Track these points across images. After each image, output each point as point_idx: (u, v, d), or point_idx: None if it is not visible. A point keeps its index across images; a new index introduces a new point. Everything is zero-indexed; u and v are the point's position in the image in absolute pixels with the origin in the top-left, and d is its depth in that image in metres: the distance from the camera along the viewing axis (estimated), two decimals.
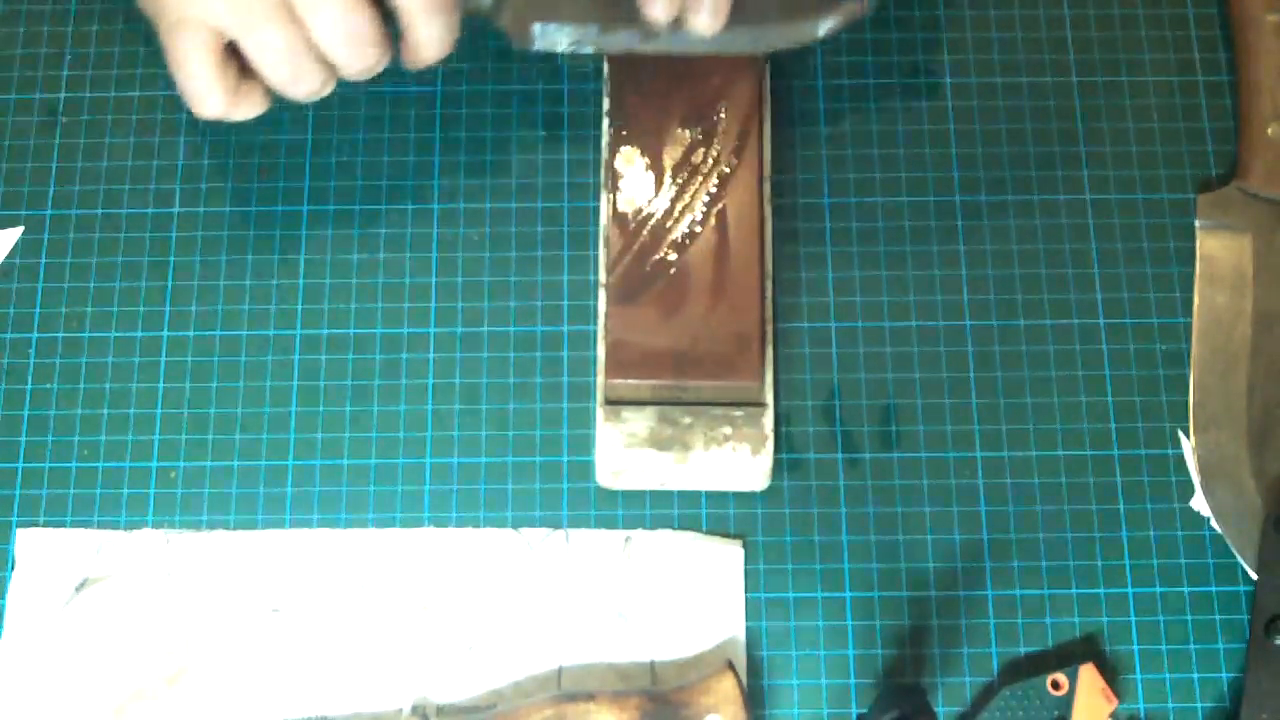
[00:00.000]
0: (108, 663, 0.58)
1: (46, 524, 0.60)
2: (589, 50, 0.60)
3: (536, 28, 0.60)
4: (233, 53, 0.56)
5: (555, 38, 0.60)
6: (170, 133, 0.66)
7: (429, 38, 0.57)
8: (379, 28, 0.56)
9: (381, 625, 0.58)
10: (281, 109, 0.66)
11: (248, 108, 0.58)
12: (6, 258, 0.64)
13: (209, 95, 0.56)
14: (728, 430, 0.59)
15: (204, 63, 0.55)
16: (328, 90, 0.58)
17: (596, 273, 0.63)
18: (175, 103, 0.66)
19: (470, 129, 0.66)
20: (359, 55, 0.56)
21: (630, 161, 0.61)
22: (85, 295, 0.63)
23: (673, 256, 0.60)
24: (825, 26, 0.60)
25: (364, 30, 0.55)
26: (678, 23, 0.59)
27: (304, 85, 0.57)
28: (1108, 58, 0.67)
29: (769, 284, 0.62)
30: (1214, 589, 0.59)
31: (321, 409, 0.62)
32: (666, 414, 0.59)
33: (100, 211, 0.65)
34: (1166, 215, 0.65)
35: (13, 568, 0.59)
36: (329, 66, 0.57)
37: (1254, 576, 0.59)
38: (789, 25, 0.60)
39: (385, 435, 0.61)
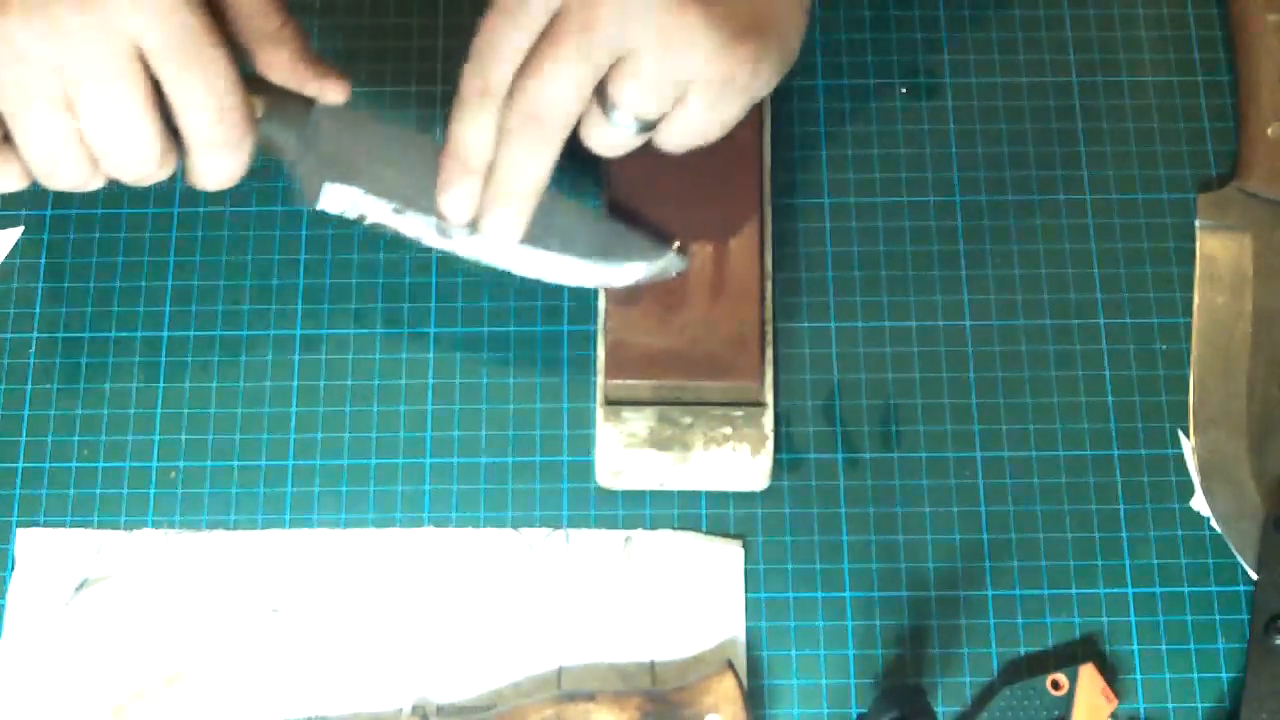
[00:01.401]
0: (107, 663, 0.58)
1: (46, 524, 0.60)
2: (381, 229, 0.56)
3: (328, 186, 0.54)
4: None
5: (344, 203, 0.55)
6: None
7: (212, 169, 0.52)
8: (162, 142, 0.51)
9: (381, 625, 0.58)
10: None
11: (2, 183, 0.52)
12: (6, 258, 0.64)
13: None
14: (728, 430, 0.59)
15: None
16: (92, 187, 0.52)
17: None
18: None
19: None
20: (134, 165, 0.51)
21: (630, 161, 0.61)
22: (85, 295, 0.63)
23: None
24: (632, 275, 0.57)
25: (145, 141, 0.50)
26: (474, 226, 0.55)
27: (64, 178, 0.51)
28: (1108, 58, 0.67)
29: (769, 284, 0.62)
30: (1214, 589, 0.59)
31: (321, 409, 0.62)
32: (666, 414, 0.59)
33: (100, 211, 0.65)
34: (1166, 215, 0.65)
35: (13, 568, 0.59)
36: (96, 164, 0.51)
37: (1254, 576, 0.59)
38: (594, 262, 0.57)
39: (385, 435, 0.61)
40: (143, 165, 0.51)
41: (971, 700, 0.58)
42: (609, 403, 0.60)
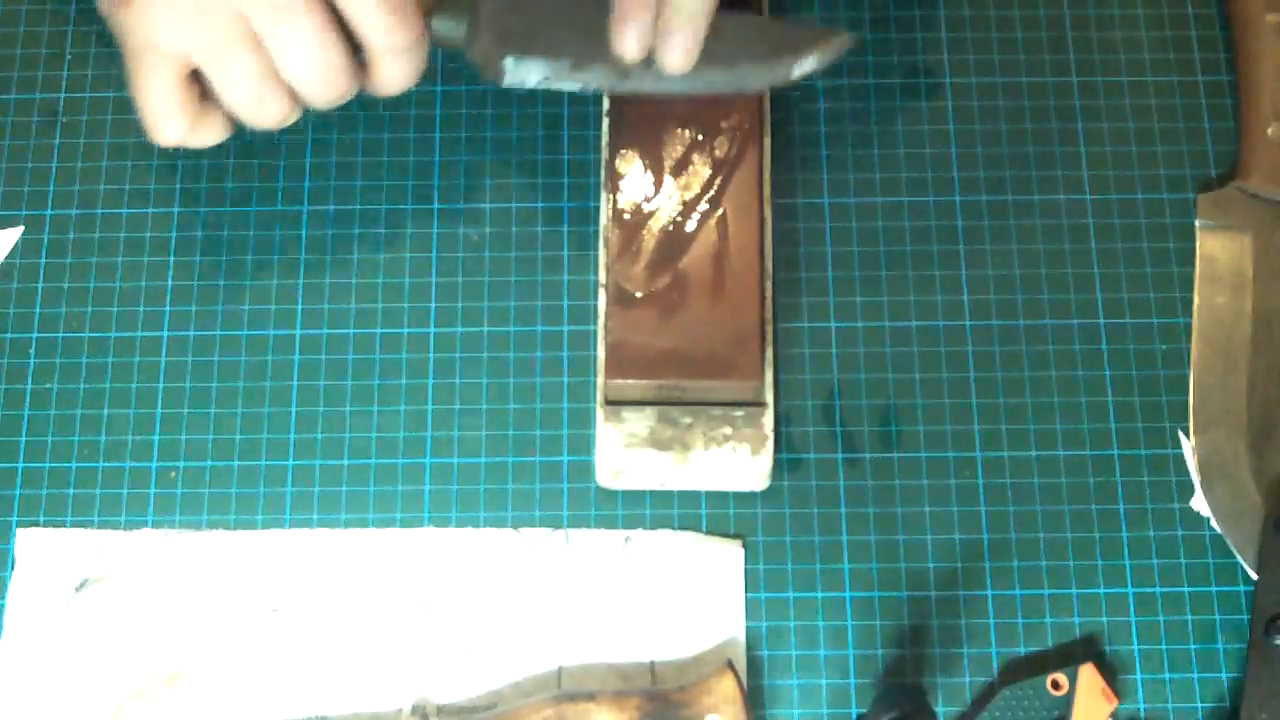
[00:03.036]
0: (107, 663, 0.58)
1: (46, 524, 0.60)
2: (562, 88, 0.59)
3: (509, 61, 0.58)
4: (195, 78, 0.54)
5: (526, 73, 0.58)
6: None
7: (395, 74, 0.56)
8: (347, 59, 0.54)
9: (381, 625, 0.58)
10: None
11: (207, 135, 0.56)
12: (6, 258, 0.64)
13: (168, 122, 0.55)
14: (728, 430, 0.59)
15: (166, 90, 0.54)
16: (293, 119, 0.56)
17: (596, 273, 0.63)
18: None
19: (470, 129, 0.66)
20: (326, 86, 0.54)
21: (630, 161, 0.61)
22: (85, 295, 0.63)
23: (672, 256, 0.60)
24: (803, 67, 0.59)
25: (331, 61, 0.53)
26: (649, 61, 0.57)
27: (269, 114, 0.55)
28: (1108, 58, 0.67)
29: (769, 284, 0.62)
30: (1214, 589, 0.59)
31: (321, 409, 0.62)
32: (666, 414, 0.59)
33: (100, 211, 0.65)
34: (1166, 215, 0.65)
35: (13, 568, 0.59)
36: (294, 96, 0.55)
37: (1254, 576, 0.59)
38: (766, 66, 0.59)
39: (385, 435, 0.61)
40: (335, 85, 0.54)
41: (971, 700, 0.58)
42: (609, 403, 0.60)
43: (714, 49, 0.57)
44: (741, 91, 0.60)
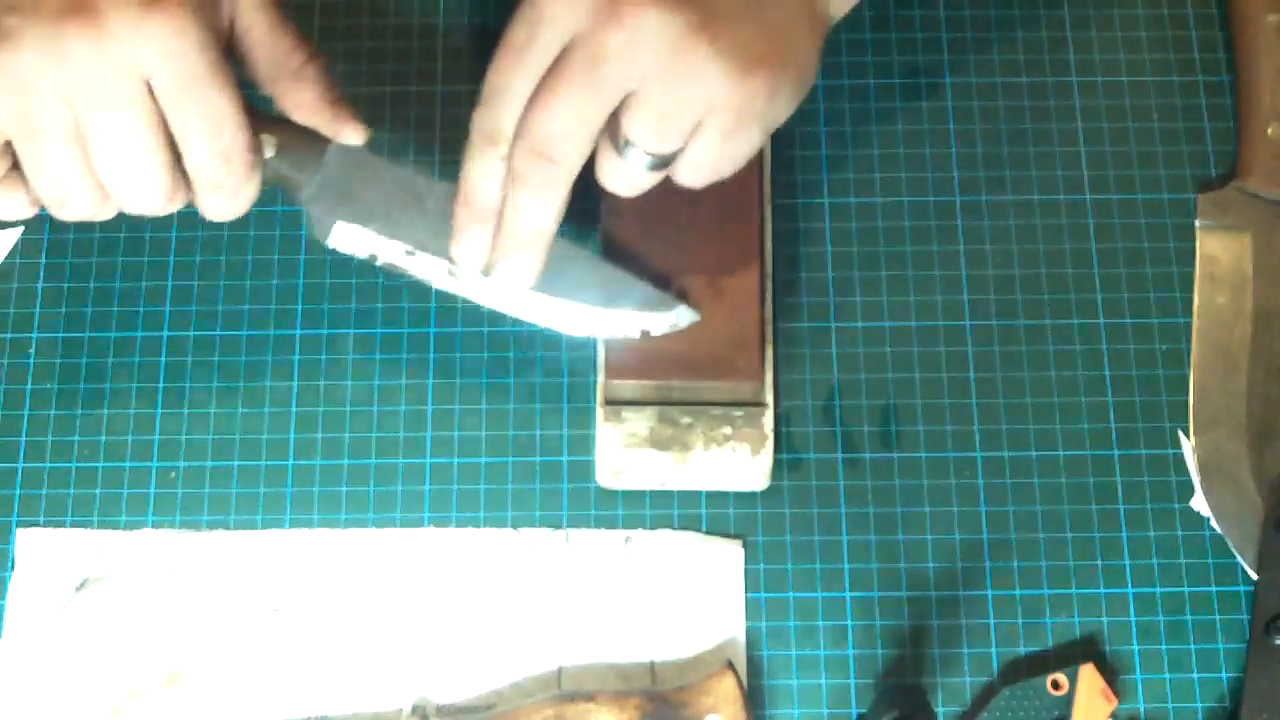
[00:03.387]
0: (107, 663, 0.58)
1: (46, 524, 0.60)
2: (392, 270, 0.56)
3: (339, 226, 0.55)
4: (7, 151, 0.51)
5: (356, 244, 0.55)
6: None
7: (218, 207, 0.53)
8: (170, 177, 0.51)
9: (381, 625, 0.58)
10: None
11: (7, 211, 0.53)
12: (6, 258, 0.64)
13: None
14: (728, 430, 0.59)
15: None
16: (101, 218, 0.53)
17: None
18: None
19: None
20: (142, 197, 0.51)
21: None
22: (85, 295, 0.63)
23: (673, 257, 0.60)
24: (632, 326, 0.57)
25: (153, 176, 0.50)
26: (487, 271, 0.54)
27: (75, 209, 0.52)
28: (1108, 58, 0.67)
29: (769, 284, 0.62)
30: (1214, 589, 0.59)
31: (321, 409, 0.62)
32: (666, 414, 0.59)
33: None
34: (1166, 215, 0.65)
35: (13, 568, 0.59)
36: (106, 196, 0.52)
37: (1254, 576, 0.59)
38: (595, 312, 0.57)
39: (385, 435, 0.61)
40: (151, 199, 0.51)
41: (971, 700, 0.58)
42: (609, 403, 0.60)
43: (554, 278, 0.55)
44: (571, 333, 0.58)
